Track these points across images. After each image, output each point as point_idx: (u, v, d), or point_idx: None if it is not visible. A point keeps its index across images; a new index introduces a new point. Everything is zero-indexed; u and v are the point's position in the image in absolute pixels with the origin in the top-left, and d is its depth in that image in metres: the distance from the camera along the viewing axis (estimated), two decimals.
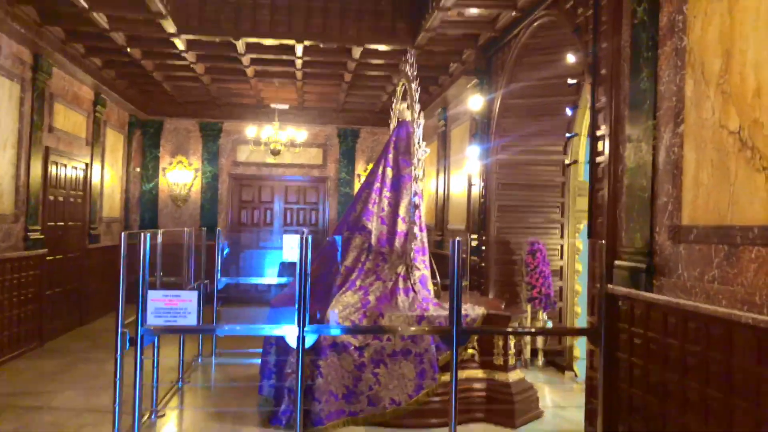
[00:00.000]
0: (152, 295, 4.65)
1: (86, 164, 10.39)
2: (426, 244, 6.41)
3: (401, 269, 6.10)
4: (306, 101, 12.79)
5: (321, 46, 8.70)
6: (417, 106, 6.77)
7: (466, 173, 9.47)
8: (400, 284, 6.00)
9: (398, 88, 6.98)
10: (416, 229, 6.26)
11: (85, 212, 10.50)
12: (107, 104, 11.16)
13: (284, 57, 9.19)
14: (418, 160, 6.52)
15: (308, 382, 5.54)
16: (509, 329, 5.82)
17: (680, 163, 4.22)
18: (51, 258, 9.02)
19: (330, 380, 5.59)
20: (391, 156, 6.59)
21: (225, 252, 13.01)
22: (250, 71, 10.13)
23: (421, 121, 6.82)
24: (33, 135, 8.25)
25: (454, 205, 10.75)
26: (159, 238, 6.06)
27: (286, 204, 13.99)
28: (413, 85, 6.55)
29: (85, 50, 9.26)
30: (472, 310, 6.00)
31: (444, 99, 10.78)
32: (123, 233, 4.74)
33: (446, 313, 5.89)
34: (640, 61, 4.69)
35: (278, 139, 10.99)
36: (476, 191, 9.14)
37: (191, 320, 4.66)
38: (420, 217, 6.40)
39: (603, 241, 4.77)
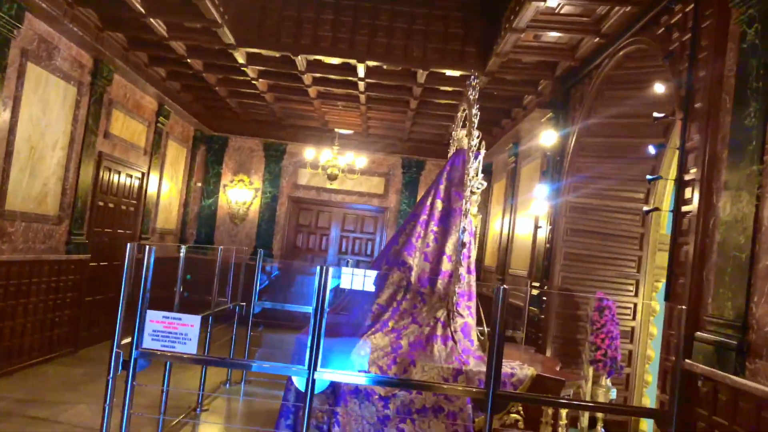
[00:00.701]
0: (151, 315, 4.14)
1: (143, 173, 10.24)
2: (473, 288, 5.66)
3: (441, 314, 5.36)
4: (371, 128, 12.33)
5: (384, 67, 8.20)
6: (476, 133, 6.10)
7: (534, 214, 8.66)
8: (439, 331, 5.26)
9: (459, 114, 6.33)
10: (462, 270, 5.53)
11: (137, 221, 10.32)
12: (170, 116, 11.06)
13: (346, 78, 8.74)
14: (471, 192, 5.82)
15: (322, 431, 4.87)
16: (560, 399, 4.95)
17: None
18: (94, 264, 8.80)
19: (348, 431, 4.89)
20: (442, 187, 5.92)
21: (273, 275, 12.62)
22: (312, 91, 9.76)
23: (481, 151, 6.14)
24: (86, 139, 8.10)
25: (518, 249, 9.91)
26: (182, 253, 5.59)
27: (342, 232, 13.48)
28: (474, 110, 5.88)
29: (148, 59, 9.14)
30: (520, 370, 5.18)
31: (516, 133, 10.04)
32: (129, 244, 4.27)
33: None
34: (746, 92, 3.87)
35: (336, 164, 10.52)
36: (542, 235, 8.31)
37: (190, 348, 4.11)
38: (468, 257, 5.67)
39: (683, 307, 3.90)
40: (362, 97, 9.68)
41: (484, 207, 13.03)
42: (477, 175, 5.87)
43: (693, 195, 4.43)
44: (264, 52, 8.07)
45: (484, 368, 5.09)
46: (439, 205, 5.85)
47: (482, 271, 12.68)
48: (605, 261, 7.69)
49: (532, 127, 8.91)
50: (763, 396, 3.34)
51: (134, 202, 10.13)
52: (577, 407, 5.04)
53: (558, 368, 5.77)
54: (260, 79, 9.38)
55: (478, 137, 6.19)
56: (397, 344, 5.21)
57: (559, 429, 5.13)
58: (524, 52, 7.04)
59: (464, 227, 5.33)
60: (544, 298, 7.86)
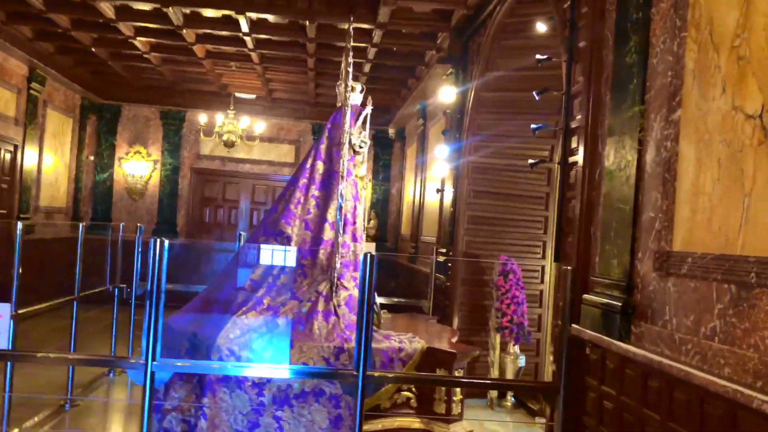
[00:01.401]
0: None
1: (15, 146, 9.23)
2: (359, 258, 5.18)
3: (324, 287, 4.85)
4: (274, 91, 11.60)
5: (270, 20, 7.50)
6: (358, 86, 5.58)
7: (439, 178, 8.25)
8: (320, 306, 4.75)
9: (342, 66, 5.72)
10: (346, 238, 5.03)
11: (13, 200, 9.33)
12: (47, 82, 10.01)
13: (233, 33, 7.99)
14: (354, 152, 5.31)
15: (182, 430, 4.32)
16: (444, 376, 4.56)
17: (674, 164, 2.98)
18: None
19: (217, 424, 4.36)
20: (323, 147, 5.36)
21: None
22: (199, 50, 8.96)
23: (367, 107, 5.62)
24: None
25: (429, 214, 9.52)
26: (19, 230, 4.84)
27: (252, 204, 12.78)
28: (349, 59, 5.34)
29: (5, 16, 8.09)
30: (409, 343, 4.75)
31: (423, 94, 9.56)
32: None
33: (375, 345, 4.67)
34: (627, 25, 3.46)
35: (233, 130, 9.77)
36: (447, 199, 7.90)
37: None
38: (353, 223, 5.17)
39: (568, 267, 3.52)
40: (254, 56, 8.96)
41: (400, 174, 12.59)
42: (359, 133, 5.36)
43: (579, 144, 4.05)
44: (131, 3, 7.22)
45: (372, 344, 4.66)
46: (320, 167, 5.29)
47: (399, 240, 12.30)
48: (511, 223, 7.37)
49: (436, 85, 8.42)
50: (647, 363, 2.99)
51: (7, 178, 9.13)
52: (461, 385, 4.60)
53: (455, 339, 5.39)
54: (138, 38, 8.50)
55: (361, 91, 5.67)
56: (273, 323, 4.68)
57: (453, 405, 4.75)
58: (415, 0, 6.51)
59: (341, 191, 4.79)
60: (449, 264, 7.49)
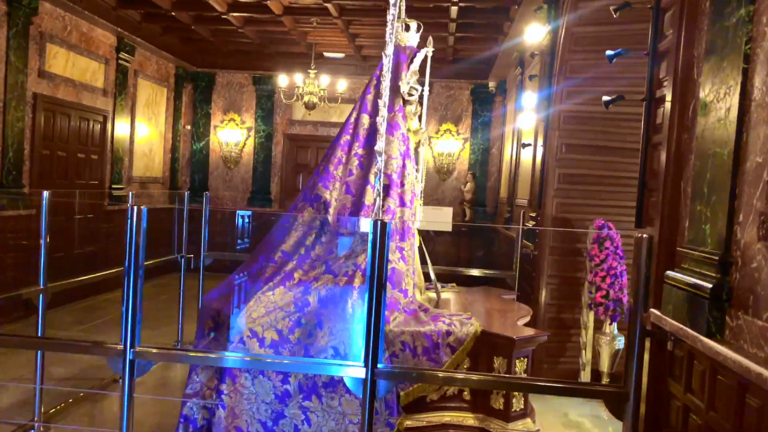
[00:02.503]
0: None
1: (104, 117, 9.32)
2: (409, 225, 4.46)
3: (362, 259, 4.18)
4: (363, 48, 10.94)
5: None
6: (413, 24, 4.78)
7: (528, 130, 7.25)
8: (357, 281, 4.09)
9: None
10: (391, 203, 4.32)
11: (105, 171, 9.48)
12: (136, 52, 10.02)
13: None
14: (404, 101, 4.55)
15: (203, 418, 3.89)
16: (471, 374, 3.78)
17: None
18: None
19: (238, 413, 3.89)
20: (370, 97, 4.63)
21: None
22: (275, 6, 8.46)
23: (427, 49, 4.82)
24: (9, 79, 7.16)
25: (523, 174, 8.52)
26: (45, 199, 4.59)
27: None
28: None
29: None
30: (461, 327, 4.00)
31: (518, 37, 8.47)
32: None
33: (417, 328, 3.96)
34: None
35: (313, 90, 9.24)
36: (536, 155, 6.92)
37: None
38: (402, 185, 4.45)
39: (644, 235, 2.59)
40: (331, 8, 8.33)
41: (501, 132, 11.55)
42: (407, 80, 4.58)
43: (668, 72, 3.04)
44: None
45: (413, 327, 3.98)
46: (365, 120, 4.58)
47: (498, 204, 11.34)
48: (609, 181, 6.27)
49: (529, 25, 7.35)
50: (744, 372, 2.07)
51: (97, 149, 9.26)
52: (485, 385, 3.69)
53: (524, 320, 4.54)
54: None
55: (417, 30, 4.87)
56: (304, 301, 4.09)
57: (514, 400, 3.95)
58: None
59: (379, 149, 4.04)
60: (537, 231, 6.54)
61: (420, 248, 4.76)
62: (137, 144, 10.42)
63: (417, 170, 4.94)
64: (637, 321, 2.64)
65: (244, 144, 12.27)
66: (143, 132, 10.62)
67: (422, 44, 4.90)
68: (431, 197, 11.97)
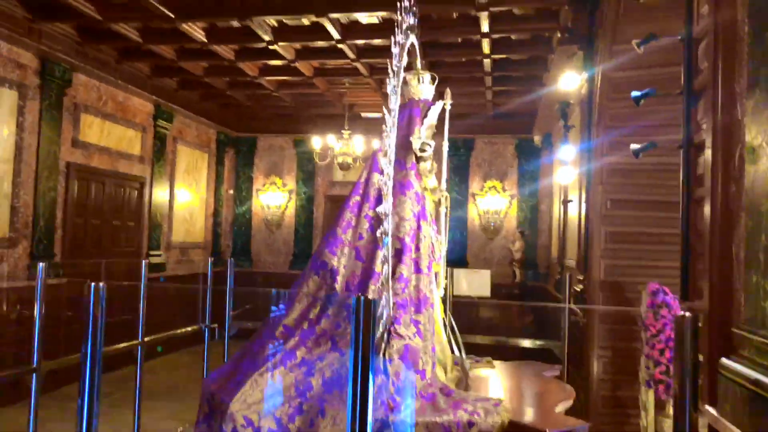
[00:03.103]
0: None
1: (141, 183, 9.32)
2: (426, 294, 3.97)
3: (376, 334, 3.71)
4: None
5: (360, 20, 6.65)
6: (426, 75, 4.42)
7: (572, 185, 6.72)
8: None
9: (399, 51, 4.51)
10: (404, 270, 3.86)
11: (141, 237, 9.41)
12: (175, 119, 10.09)
13: (327, 43, 7.27)
14: (417, 157, 4.16)
15: None
16: None
17: None
18: (77, 287, 7.91)
19: None
20: (381, 155, 4.26)
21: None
22: (305, 68, 8.35)
23: (445, 101, 4.46)
24: (42, 149, 7.20)
25: (571, 232, 7.92)
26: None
27: None
28: (412, 39, 4.21)
29: (118, 54, 8.15)
30: (485, 416, 3.43)
31: (559, 90, 8.04)
32: None
33: (432, 418, 3.42)
34: None
35: (347, 150, 9.00)
36: (580, 212, 6.36)
37: None
38: (415, 249, 3.99)
39: (686, 314, 2.05)
40: (360, 67, 8.14)
41: (550, 187, 10.98)
42: (420, 135, 4.19)
43: (707, 113, 2.53)
44: (217, 21, 6.81)
45: (428, 416, 3.45)
46: (376, 179, 4.18)
47: (550, 264, 10.67)
48: (662, 239, 5.62)
49: (565, 73, 6.92)
50: None
51: (133, 216, 9.21)
52: None
53: (564, 405, 3.92)
54: (240, 62, 8.12)
55: (432, 81, 4.51)
56: (306, 384, 3.62)
57: None
58: None
59: (383, 211, 3.61)
60: (584, 296, 5.93)
61: (449, 324, 4.26)
62: (177, 209, 10.38)
63: (437, 232, 4.49)
64: (684, 420, 2.07)
65: (286, 207, 12.11)
66: (183, 197, 10.60)
67: (438, 97, 4.53)
68: (479, 257, 11.41)
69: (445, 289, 4.74)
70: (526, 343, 6.57)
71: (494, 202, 11.43)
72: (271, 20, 6.80)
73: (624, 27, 5.32)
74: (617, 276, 5.79)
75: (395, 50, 3.86)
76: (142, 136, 9.31)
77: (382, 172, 4.13)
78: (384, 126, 3.67)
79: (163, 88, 9.49)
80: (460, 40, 7.47)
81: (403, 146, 4.21)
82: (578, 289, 6.53)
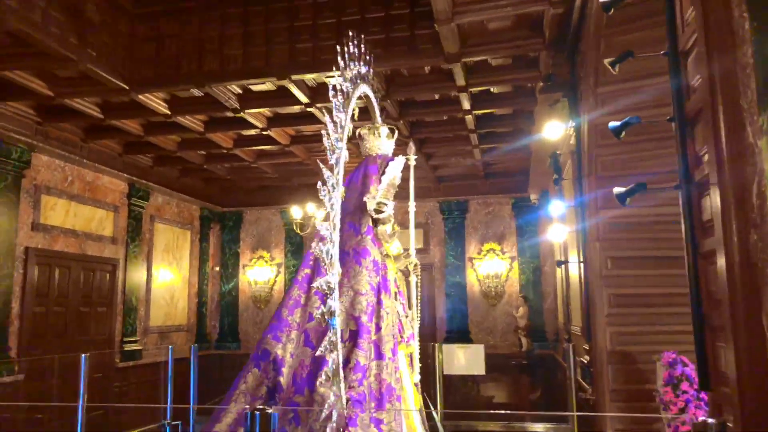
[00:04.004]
0: None
1: (113, 266, 8.75)
2: (391, 384, 3.29)
3: None
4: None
5: (330, 81, 6.20)
6: (383, 129, 3.90)
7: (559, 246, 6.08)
8: None
9: (351, 106, 3.95)
10: (360, 356, 3.19)
11: (113, 323, 8.76)
12: (151, 196, 9.63)
13: (300, 109, 6.87)
14: (374, 221, 3.57)
15: None
16: None
17: None
18: (35, 386, 7.21)
19: None
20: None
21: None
22: (279, 136, 7.92)
23: (406, 157, 3.91)
24: None
25: (574, 296, 7.22)
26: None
27: None
28: (364, 89, 3.71)
29: (83, 132, 7.76)
30: None
31: (546, 142, 7.52)
32: None
33: None
34: None
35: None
36: (580, 273, 5.71)
37: None
38: (377, 329, 3.34)
39: (713, 421, 1.39)
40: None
41: (551, 246, 10.32)
42: (375, 194, 3.61)
43: (707, 141, 1.94)
44: (176, 92, 6.43)
45: None
46: (316, 248, 3.60)
47: (558, 330, 9.89)
48: (676, 301, 4.93)
49: (550, 123, 6.41)
50: None
51: (104, 300, 8.59)
52: None
53: None
54: (215, 133, 7.72)
55: (388, 135, 3.98)
56: None
57: None
58: (478, 10, 4.76)
59: (323, 284, 2.98)
60: (591, 369, 5.19)
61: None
62: (155, 291, 9.76)
63: (405, 306, 3.85)
64: None
65: (275, 281, 11.48)
66: (163, 278, 10.00)
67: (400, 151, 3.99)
68: (481, 326, 10.65)
69: (432, 370, 4.05)
70: (538, 428, 5.78)
71: (494, 266, 10.76)
72: (233, 87, 6.38)
73: (606, 67, 4.82)
74: (626, 345, 5.07)
75: (334, 101, 3.35)
76: (114, 216, 8.82)
77: (322, 240, 3.54)
78: (321, 186, 3.10)
79: (137, 166, 9.06)
80: (437, 96, 7.03)
81: (359, 208, 3.64)
82: (585, 361, 5.79)
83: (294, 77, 5.94)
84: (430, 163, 9.56)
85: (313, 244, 3.60)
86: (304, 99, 6.52)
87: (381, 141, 3.92)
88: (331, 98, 3.31)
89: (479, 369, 5.40)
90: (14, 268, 6.98)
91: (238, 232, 11.76)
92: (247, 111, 6.85)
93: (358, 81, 3.70)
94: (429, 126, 8.03)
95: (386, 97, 6.49)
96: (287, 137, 8.14)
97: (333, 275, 3.00)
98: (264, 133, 7.68)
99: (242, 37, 5.98)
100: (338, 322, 2.99)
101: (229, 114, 6.98)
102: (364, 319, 3.28)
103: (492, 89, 6.74)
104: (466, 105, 6.85)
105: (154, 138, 7.93)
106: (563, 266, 7.01)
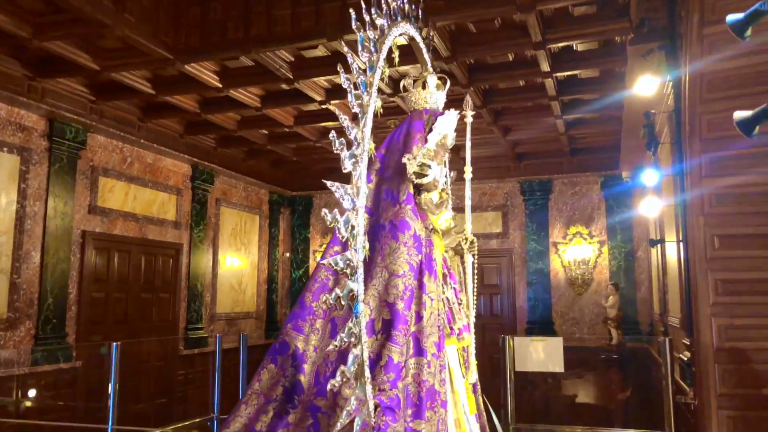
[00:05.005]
0: None
1: (176, 251, 8.53)
2: (434, 387, 2.64)
3: None
4: (462, 149, 9.47)
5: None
6: (431, 78, 3.22)
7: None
8: None
9: (386, 45, 3.24)
10: (392, 353, 2.56)
11: (178, 309, 8.56)
12: (216, 179, 9.36)
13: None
14: (411, 186, 2.92)
15: None
16: None
17: None
18: (96, 373, 7.04)
19: None
20: (373, 178, 3.06)
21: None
22: (342, 110, 7.35)
23: (451, 111, 3.19)
24: (47, 218, 6.53)
25: (672, 282, 6.27)
26: None
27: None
28: (406, 30, 3.06)
29: (140, 111, 7.53)
30: None
31: (640, 105, 6.57)
32: None
33: None
34: None
35: None
36: (680, 255, 4.82)
37: None
38: (415, 319, 2.70)
39: None
40: (402, 104, 7.05)
41: (646, 229, 9.27)
42: (417, 155, 2.94)
43: None
44: (228, 63, 6.04)
45: None
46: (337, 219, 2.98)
47: (654, 321, 8.87)
48: None
49: (642, 81, 5.48)
50: None
51: (167, 287, 8.39)
52: None
53: None
54: (272, 110, 7.31)
55: (438, 85, 3.29)
56: None
57: None
58: None
59: (342, 262, 2.37)
60: (692, 367, 4.33)
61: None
62: (222, 277, 9.51)
63: (460, 291, 3.18)
64: None
65: None
66: (230, 264, 9.75)
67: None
68: (566, 316, 9.76)
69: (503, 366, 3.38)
70: None
71: (580, 251, 9.81)
72: (285, 53, 5.88)
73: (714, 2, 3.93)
74: (737, 340, 4.18)
75: (360, 35, 2.72)
76: (177, 199, 8.59)
77: (370, 211, 2.93)
78: (335, 138, 2.48)
79: (200, 147, 8.79)
80: (511, 57, 6.25)
81: (398, 172, 2.99)
82: (684, 358, 4.91)
83: (346, 38, 5.34)
84: (508, 138, 8.74)
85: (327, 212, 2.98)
86: (361, 64, 5.91)
87: (429, 93, 3.24)
88: (355, 29, 2.68)
89: (557, 365, 4.67)
90: (71, 252, 6.82)
91: (308, 217, 11.39)
92: (301, 81, 6.34)
93: (398, 17, 3.05)
94: (504, 94, 7.24)
95: (452, 58, 5.79)
96: (350, 112, 7.57)
97: (357, 251, 2.40)
98: (323, 107, 7.16)
99: None
100: (361, 308, 2.39)
101: (285, 86, 6.51)
102: (401, 305, 2.65)
103: (575, 46, 5.89)
104: (545, 66, 6.03)
105: (212, 116, 7.59)
106: (658, 247, 6.07)
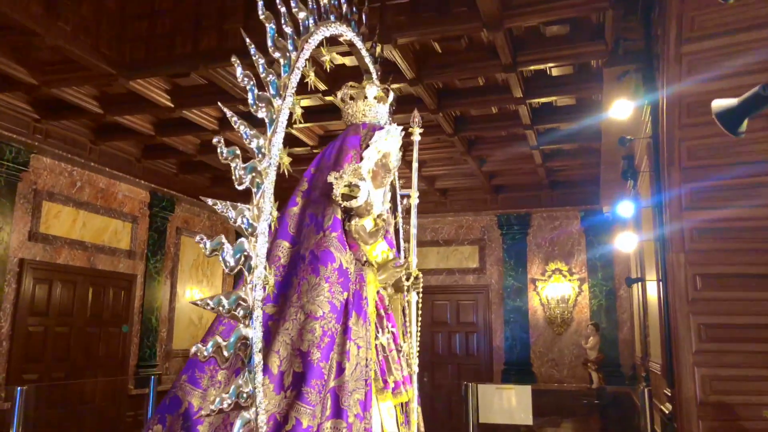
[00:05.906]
0: None
1: (128, 282, 7.98)
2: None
3: None
4: (436, 179, 9.09)
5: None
6: (371, 89, 2.80)
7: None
8: None
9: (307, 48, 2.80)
10: (301, 415, 2.08)
11: (129, 346, 7.97)
12: (177, 207, 8.87)
13: (315, 100, 5.90)
14: (339, 207, 2.47)
15: None
16: None
17: None
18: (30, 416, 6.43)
19: None
20: (294, 210, 2.61)
21: None
22: (307, 135, 6.97)
23: (394, 127, 2.76)
24: None
25: (653, 324, 5.83)
26: None
27: (432, 326, 9.97)
28: (354, 37, 2.66)
29: (92, 133, 7.06)
30: None
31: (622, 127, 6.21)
32: None
33: None
34: None
35: None
36: (660, 295, 4.38)
37: None
38: (336, 372, 2.23)
39: None
40: None
41: (627, 267, 8.85)
42: (346, 173, 2.49)
43: None
44: (179, 81, 5.62)
45: None
46: (280, 252, 2.52)
47: (636, 365, 8.39)
48: None
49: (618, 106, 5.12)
50: None
51: (116, 321, 7.81)
52: None
53: None
54: (232, 131, 6.85)
55: (380, 96, 2.87)
56: None
57: None
58: None
59: (232, 302, 1.90)
60: (675, 424, 3.85)
61: None
62: (180, 311, 8.95)
63: (401, 333, 2.70)
64: None
65: None
66: (191, 297, 9.19)
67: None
68: (544, 358, 9.26)
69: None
70: None
71: (560, 289, 9.37)
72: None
73: (695, 15, 3.58)
74: (724, 393, 3.72)
75: (271, 27, 2.31)
76: (133, 227, 8.08)
77: (291, 240, 2.47)
78: (221, 146, 2.03)
79: (159, 172, 8.32)
80: (481, 82, 5.88)
81: (325, 194, 2.55)
82: (666, 411, 4.43)
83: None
84: (484, 170, 8.35)
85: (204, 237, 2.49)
86: (321, 86, 5.53)
87: (368, 105, 2.81)
88: (263, 20, 2.27)
89: (525, 418, 4.17)
90: (5, 281, 6.28)
91: None
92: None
93: (330, 16, 2.64)
94: (476, 122, 6.87)
95: (417, 80, 5.40)
96: (315, 137, 7.18)
97: (254, 288, 1.94)
98: (288, 129, 6.73)
99: (244, 8, 5.07)
100: (257, 359, 1.92)
101: (242, 107, 6.08)
102: (316, 355, 2.17)
103: (549, 70, 5.54)
104: (518, 92, 5.66)
105: (168, 139, 7.14)
106: (639, 285, 5.64)
